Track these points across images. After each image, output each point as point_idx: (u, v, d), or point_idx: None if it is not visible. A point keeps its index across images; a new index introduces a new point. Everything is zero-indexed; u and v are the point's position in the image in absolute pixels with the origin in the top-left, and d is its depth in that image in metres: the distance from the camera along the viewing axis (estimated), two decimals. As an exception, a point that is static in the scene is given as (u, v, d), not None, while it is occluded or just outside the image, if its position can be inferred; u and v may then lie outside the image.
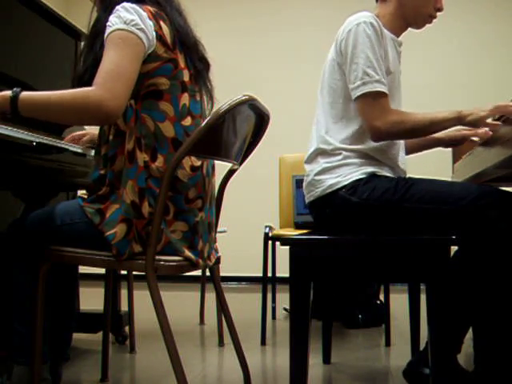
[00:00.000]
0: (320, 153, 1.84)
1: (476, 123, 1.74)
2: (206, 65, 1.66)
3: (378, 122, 1.74)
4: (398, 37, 1.94)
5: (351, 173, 1.77)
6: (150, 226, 1.48)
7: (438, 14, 1.91)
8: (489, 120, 1.72)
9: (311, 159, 1.87)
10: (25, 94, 1.45)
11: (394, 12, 1.90)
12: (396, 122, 1.74)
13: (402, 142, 1.93)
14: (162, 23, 1.54)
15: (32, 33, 2.28)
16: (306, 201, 1.89)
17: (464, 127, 1.90)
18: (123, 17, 1.47)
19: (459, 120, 1.74)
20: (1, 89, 1.93)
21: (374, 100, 1.74)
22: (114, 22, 1.47)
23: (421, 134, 1.88)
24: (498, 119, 1.71)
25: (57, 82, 1.75)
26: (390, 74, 1.81)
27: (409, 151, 2.12)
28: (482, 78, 4.70)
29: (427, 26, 1.96)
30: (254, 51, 5.00)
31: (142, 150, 1.50)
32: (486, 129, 1.73)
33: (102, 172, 1.54)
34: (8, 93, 1.46)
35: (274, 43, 4.97)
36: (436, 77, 4.76)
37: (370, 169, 1.79)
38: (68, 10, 4.66)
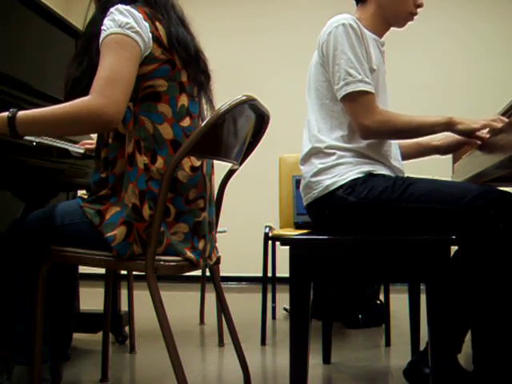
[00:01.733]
0: (314, 153, 1.85)
1: (466, 133, 1.79)
2: (207, 78, 1.66)
3: (365, 120, 1.75)
4: (380, 37, 1.94)
5: (347, 172, 1.77)
6: (151, 228, 1.48)
7: (419, 10, 1.91)
8: (479, 132, 1.75)
9: (305, 160, 1.88)
10: (22, 113, 1.44)
11: (374, 13, 1.91)
12: (384, 121, 1.76)
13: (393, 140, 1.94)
14: (157, 24, 1.52)
15: (32, 33, 2.28)
16: (304, 203, 1.89)
17: None
18: (118, 20, 1.45)
19: (449, 126, 1.77)
20: (1, 89, 1.94)
21: (360, 99, 1.75)
22: (108, 25, 1.46)
23: (409, 136, 1.90)
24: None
25: (57, 82, 1.75)
26: (373, 72, 1.82)
27: (405, 157, 2.12)
28: (482, 77, 4.70)
29: (416, 24, 1.96)
30: (254, 51, 5.00)
31: (142, 152, 1.50)
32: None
33: (103, 175, 1.54)
34: (5, 114, 1.44)
35: (273, 43, 4.97)
36: (436, 77, 4.76)
37: (366, 167, 1.79)
38: (68, 9, 4.66)
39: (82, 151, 2.02)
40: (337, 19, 1.81)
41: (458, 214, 1.63)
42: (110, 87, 1.40)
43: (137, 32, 1.46)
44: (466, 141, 2.01)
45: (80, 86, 1.50)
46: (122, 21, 1.45)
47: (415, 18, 1.93)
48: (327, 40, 1.80)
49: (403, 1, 1.88)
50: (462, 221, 1.62)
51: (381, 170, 1.81)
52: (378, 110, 1.77)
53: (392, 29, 1.98)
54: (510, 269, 1.58)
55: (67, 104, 1.43)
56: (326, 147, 1.82)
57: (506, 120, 1.75)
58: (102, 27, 1.47)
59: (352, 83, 1.75)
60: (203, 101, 1.66)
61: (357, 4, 1.96)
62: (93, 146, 2.02)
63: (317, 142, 1.84)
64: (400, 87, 4.34)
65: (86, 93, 1.43)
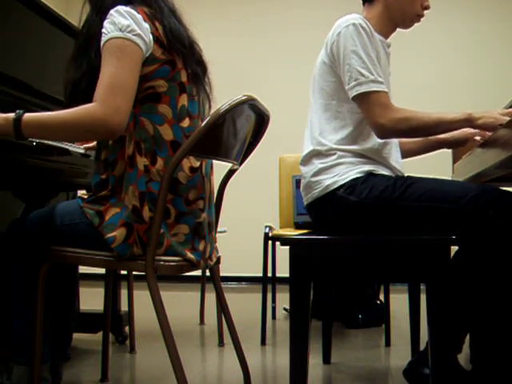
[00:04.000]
0: (315, 154, 1.84)
1: (487, 127, 1.75)
2: (204, 68, 1.65)
3: (381, 119, 1.73)
4: (386, 38, 1.94)
5: (347, 171, 1.77)
6: (151, 229, 1.47)
7: (426, 12, 1.91)
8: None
9: (306, 161, 1.88)
10: (28, 115, 1.44)
11: (381, 14, 1.90)
12: (400, 119, 1.73)
13: (395, 142, 1.93)
14: (157, 24, 1.52)
15: (32, 33, 2.28)
16: (304, 203, 1.89)
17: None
18: (118, 23, 1.44)
19: (469, 122, 1.74)
20: (1, 89, 1.94)
21: (374, 99, 1.74)
22: (109, 29, 1.45)
23: (426, 133, 1.88)
24: None
25: (57, 82, 1.75)
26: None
27: (411, 154, 2.12)
28: (482, 78, 4.70)
29: (417, 24, 1.94)
30: (254, 51, 5.00)
31: (142, 154, 1.50)
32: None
33: (103, 177, 1.54)
34: (11, 115, 1.44)
35: (274, 43, 4.97)
36: (436, 77, 4.76)
37: (367, 167, 1.79)
38: (68, 9, 4.66)
39: (82, 151, 2.02)
40: (347, 19, 1.80)
41: (458, 213, 1.63)
42: (113, 96, 1.40)
43: (138, 35, 1.45)
44: (475, 134, 1.99)
45: (80, 88, 1.49)
46: (123, 24, 1.44)
47: (422, 20, 1.92)
48: (337, 40, 1.79)
49: (411, 2, 1.87)
50: (462, 220, 1.62)
51: (381, 170, 1.81)
52: (394, 107, 1.75)
53: (392, 28, 1.97)
54: (509, 268, 1.58)
55: (72, 110, 1.42)
56: (327, 150, 1.82)
57: None
58: (103, 30, 1.46)
59: (364, 83, 1.74)
60: (202, 99, 1.66)
61: (363, 4, 1.95)
62: (91, 145, 2.02)
63: (318, 144, 1.84)
64: (400, 87, 4.32)
65: (86, 95, 1.43)
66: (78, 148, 2.03)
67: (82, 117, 1.41)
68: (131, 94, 1.44)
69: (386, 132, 1.76)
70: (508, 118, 1.67)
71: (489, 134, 1.91)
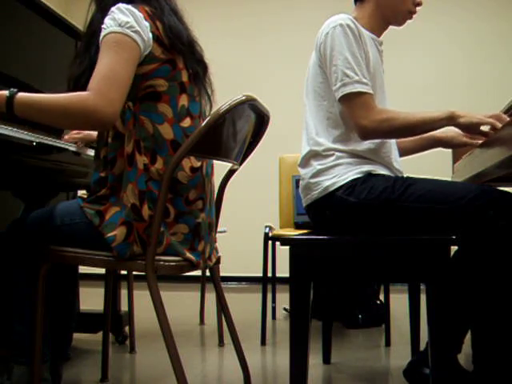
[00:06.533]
0: (312, 155, 1.84)
1: (469, 127, 1.75)
2: (204, 67, 1.65)
3: (364, 120, 1.73)
4: (379, 36, 1.94)
5: (346, 172, 1.77)
6: (150, 228, 1.47)
7: (418, 8, 1.90)
8: (483, 128, 1.73)
9: (304, 163, 1.88)
10: (21, 94, 1.44)
11: (372, 13, 1.90)
12: (383, 120, 1.74)
13: (393, 141, 1.93)
14: (158, 23, 1.52)
15: (32, 33, 2.28)
16: (304, 204, 1.88)
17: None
18: (118, 19, 1.45)
19: (451, 120, 1.74)
20: (0, 89, 1.94)
21: (357, 100, 1.74)
22: (108, 24, 1.46)
23: (410, 133, 1.87)
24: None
25: (57, 82, 1.75)
26: (369, 74, 1.81)
27: (408, 152, 2.12)
28: (482, 78, 4.70)
29: (416, 24, 1.95)
30: (254, 51, 5.01)
31: (142, 152, 1.50)
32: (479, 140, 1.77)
33: (103, 174, 1.54)
34: (5, 92, 1.45)
35: (273, 43, 4.97)
36: (436, 77, 4.76)
37: (365, 168, 1.79)
38: (68, 10, 4.66)
39: (81, 151, 2.01)
40: (334, 19, 1.80)
41: (457, 214, 1.63)
42: (107, 87, 1.40)
43: (136, 31, 1.46)
44: (468, 139, 1.99)
45: (80, 84, 1.50)
46: (122, 20, 1.45)
47: (414, 16, 1.93)
48: (324, 41, 1.80)
49: (402, 0, 1.88)
50: (462, 220, 1.62)
51: (380, 169, 1.81)
52: (377, 109, 1.76)
53: (392, 28, 1.97)
54: (509, 268, 1.58)
55: (65, 95, 1.43)
56: (324, 150, 1.82)
57: (508, 118, 1.74)
58: (102, 26, 1.47)
59: (349, 84, 1.74)
60: (204, 100, 1.66)
61: (355, 3, 1.95)
62: (79, 136, 2.02)
63: (315, 144, 1.84)
64: (400, 87, 4.34)
65: (85, 90, 1.43)
66: (78, 148, 2.03)
67: (73, 102, 1.40)
68: (125, 87, 1.43)
69: (368, 133, 1.76)
70: (490, 120, 1.70)
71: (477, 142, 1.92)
